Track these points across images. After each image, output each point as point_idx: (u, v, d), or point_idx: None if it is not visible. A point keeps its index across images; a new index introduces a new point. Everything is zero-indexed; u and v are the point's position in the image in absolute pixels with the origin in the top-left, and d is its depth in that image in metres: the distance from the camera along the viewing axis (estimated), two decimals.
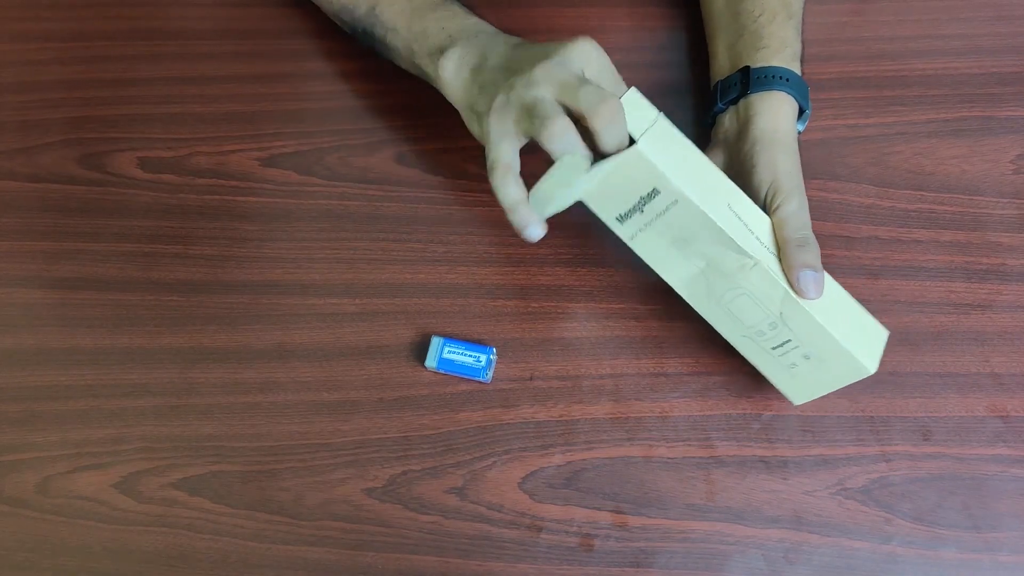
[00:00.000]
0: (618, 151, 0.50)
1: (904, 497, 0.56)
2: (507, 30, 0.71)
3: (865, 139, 0.66)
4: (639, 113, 0.51)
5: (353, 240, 0.63)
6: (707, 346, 0.60)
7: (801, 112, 0.60)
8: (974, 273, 0.61)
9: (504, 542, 0.55)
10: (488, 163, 0.53)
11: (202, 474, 0.57)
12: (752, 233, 0.51)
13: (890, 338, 0.54)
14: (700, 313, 0.55)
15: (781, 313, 0.52)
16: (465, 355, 0.58)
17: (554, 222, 0.63)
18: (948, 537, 0.55)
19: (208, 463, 0.57)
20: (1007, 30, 0.71)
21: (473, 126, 0.57)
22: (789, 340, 0.53)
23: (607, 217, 0.53)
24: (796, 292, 0.51)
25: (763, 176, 0.55)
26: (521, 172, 0.53)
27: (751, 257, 0.51)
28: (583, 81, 0.50)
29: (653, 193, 0.51)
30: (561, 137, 0.50)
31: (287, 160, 0.66)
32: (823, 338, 0.51)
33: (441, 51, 0.58)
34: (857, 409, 0.58)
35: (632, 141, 0.50)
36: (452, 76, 0.57)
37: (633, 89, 0.52)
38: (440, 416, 0.58)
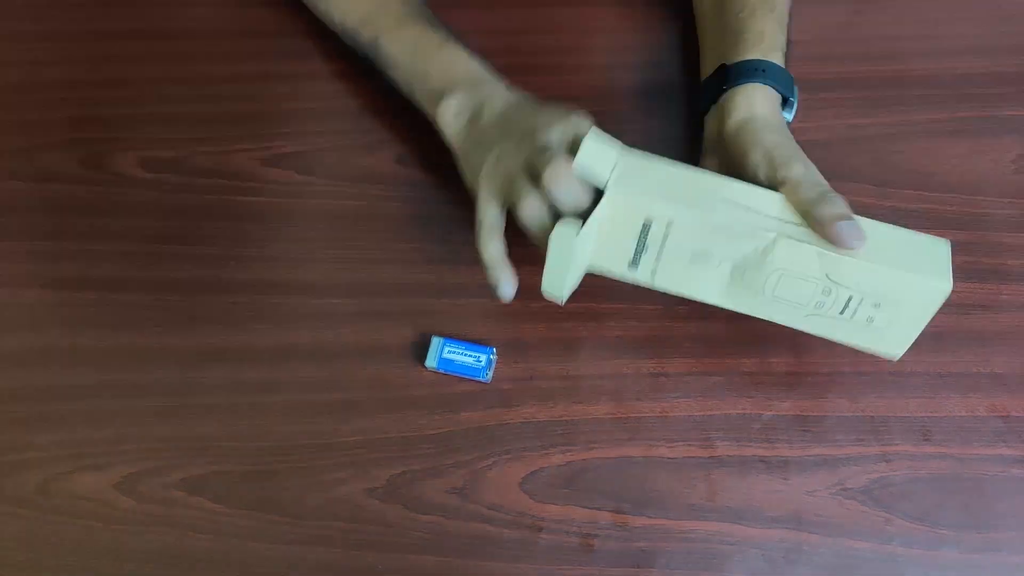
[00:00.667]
0: (584, 208, 0.51)
1: (904, 497, 0.56)
2: (507, 30, 0.71)
3: (865, 139, 0.66)
4: (602, 156, 0.51)
5: (353, 240, 0.63)
6: (707, 346, 0.60)
7: (785, 101, 0.59)
8: (975, 273, 0.61)
9: (504, 542, 0.55)
10: (476, 222, 0.55)
11: (203, 474, 0.57)
12: (760, 213, 0.50)
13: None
14: (757, 315, 0.53)
15: (827, 275, 0.50)
16: (465, 355, 0.58)
17: None
18: (949, 537, 0.55)
19: (209, 463, 0.57)
20: (1007, 30, 0.71)
21: (464, 176, 0.59)
22: (851, 297, 0.50)
23: (620, 270, 0.54)
24: (838, 245, 0.48)
25: (756, 158, 0.53)
26: (507, 231, 0.55)
27: (767, 233, 0.50)
28: (544, 148, 0.52)
29: (647, 225, 0.51)
30: (530, 213, 0.52)
31: (288, 160, 0.66)
32: (880, 276, 0.49)
33: (441, 95, 0.59)
34: (857, 409, 0.58)
35: (599, 192, 0.51)
36: (450, 122, 0.59)
37: (591, 133, 0.51)
38: (440, 416, 0.58)
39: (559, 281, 0.53)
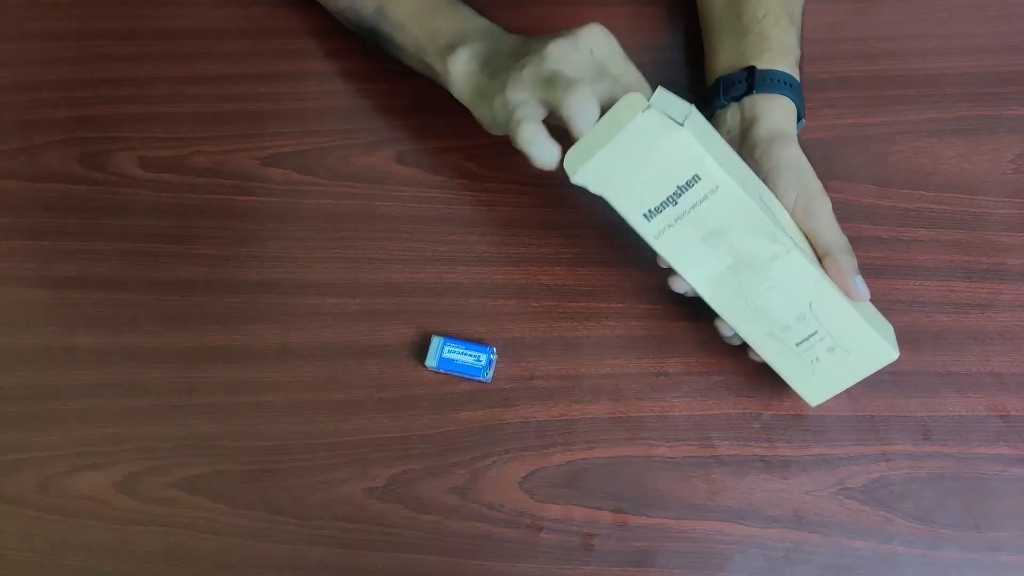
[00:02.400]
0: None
1: (904, 497, 0.56)
2: (507, 29, 0.71)
3: (865, 139, 0.66)
4: (673, 106, 0.50)
5: (353, 240, 0.63)
6: (707, 346, 0.60)
7: (798, 119, 0.60)
8: (974, 272, 0.61)
9: (505, 542, 0.55)
10: (512, 123, 0.52)
11: (202, 474, 0.57)
12: (779, 224, 0.51)
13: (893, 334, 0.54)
14: (720, 312, 0.54)
15: (811, 303, 0.51)
16: (465, 355, 0.58)
17: (554, 222, 0.63)
18: (948, 537, 0.55)
19: (208, 463, 0.57)
20: (1007, 29, 0.71)
21: (484, 111, 0.56)
22: (815, 332, 0.52)
23: (632, 213, 0.51)
24: (848, 294, 0.52)
25: (788, 180, 0.55)
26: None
27: (785, 244, 0.50)
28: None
29: (692, 181, 0.49)
30: (582, 104, 0.49)
31: (287, 159, 0.66)
32: (852, 325, 0.52)
33: (452, 48, 0.58)
34: (857, 408, 0.58)
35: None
36: (461, 71, 0.57)
37: (660, 88, 0.51)
38: (440, 416, 0.58)
39: (586, 154, 0.49)
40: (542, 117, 0.52)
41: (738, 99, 0.59)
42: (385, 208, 0.64)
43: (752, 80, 0.58)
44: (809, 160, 0.56)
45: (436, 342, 0.59)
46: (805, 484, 0.56)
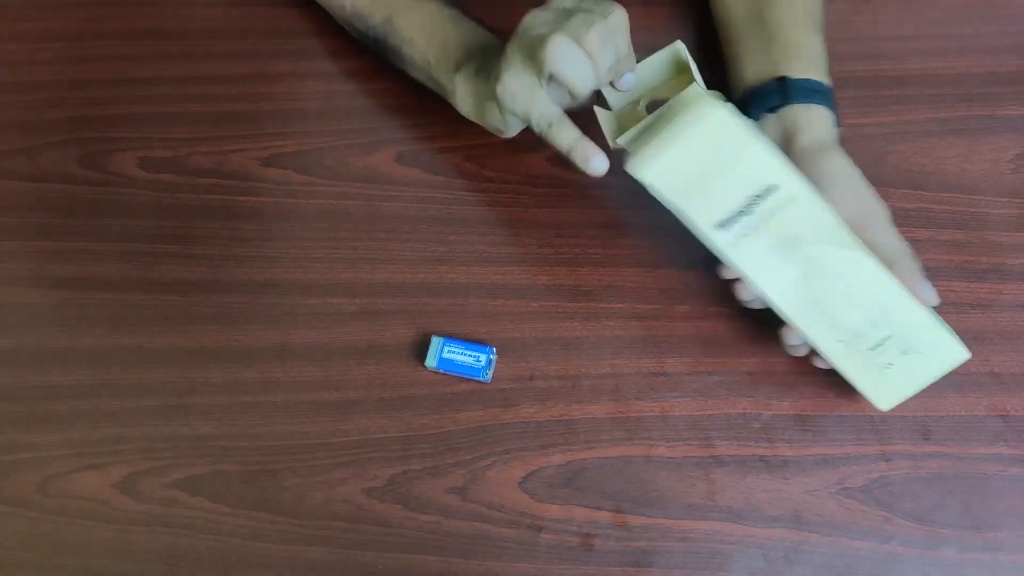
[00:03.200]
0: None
1: (904, 496, 0.56)
2: (507, 30, 0.71)
3: (864, 138, 0.66)
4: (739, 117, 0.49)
5: (353, 240, 0.63)
6: (707, 346, 0.60)
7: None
8: (973, 272, 0.61)
9: (504, 542, 0.55)
10: (537, 126, 0.53)
11: (202, 474, 0.57)
12: (848, 230, 0.51)
13: None
14: (793, 321, 0.53)
15: (885, 308, 0.52)
16: (465, 355, 0.59)
17: (554, 222, 0.63)
18: (948, 536, 0.55)
19: (208, 463, 0.57)
20: (1007, 30, 0.71)
21: (491, 118, 0.57)
22: (889, 336, 0.52)
23: (704, 224, 0.50)
24: (921, 298, 0.52)
25: (844, 191, 0.54)
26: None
27: (859, 250, 0.50)
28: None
29: (769, 191, 0.49)
30: (556, 51, 0.48)
31: (287, 160, 0.66)
32: (926, 327, 0.52)
33: (459, 65, 0.58)
34: (857, 408, 0.58)
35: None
36: (467, 88, 0.58)
37: (695, 84, 0.51)
38: (440, 416, 0.58)
39: (653, 150, 0.48)
40: (562, 106, 0.53)
41: (772, 110, 0.58)
42: (385, 208, 0.64)
43: (787, 91, 0.58)
44: None
45: (436, 342, 0.59)
46: (805, 484, 0.56)
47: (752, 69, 0.61)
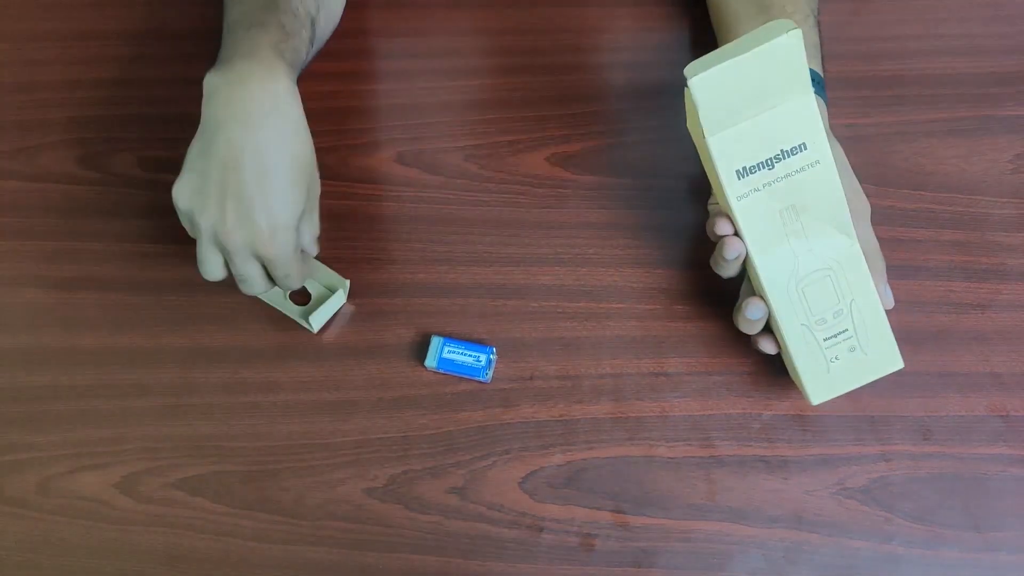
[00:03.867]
0: None
1: (904, 496, 0.56)
2: (507, 30, 0.71)
3: (864, 139, 0.66)
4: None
5: (353, 240, 0.63)
6: (707, 346, 0.60)
7: None
8: (973, 272, 0.62)
9: (505, 542, 0.55)
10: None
11: (202, 474, 0.57)
12: (848, 212, 0.52)
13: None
14: (767, 290, 0.53)
15: (852, 300, 0.52)
16: (465, 355, 0.58)
17: (554, 222, 0.63)
18: (948, 536, 0.55)
19: (208, 463, 0.57)
20: (1006, 30, 0.71)
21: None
22: (845, 330, 0.53)
23: (727, 168, 0.49)
24: (882, 300, 0.53)
25: None
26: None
27: (853, 238, 0.51)
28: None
29: (798, 148, 0.49)
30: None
31: None
32: (880, 329, 0.53)
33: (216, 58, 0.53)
34: (857, 408, 0.58)
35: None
36: (205, 94, 0.52)
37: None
38: (440, 416, 0.58)
39: (712, 62, 0.47)
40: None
41: None
42: (385, 208, 0.64)
43: None
44: None
45: (436, 342, 0.59)
46: (805, 484, 0.56)
47: None
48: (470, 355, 0.59)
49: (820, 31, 0.62)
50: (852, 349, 0.54)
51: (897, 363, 0.54)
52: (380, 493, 0.56)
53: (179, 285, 0.62)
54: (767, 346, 0.55)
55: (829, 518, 0.55)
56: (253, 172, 0.50)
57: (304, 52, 0.57)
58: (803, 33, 0.58)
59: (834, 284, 0.52)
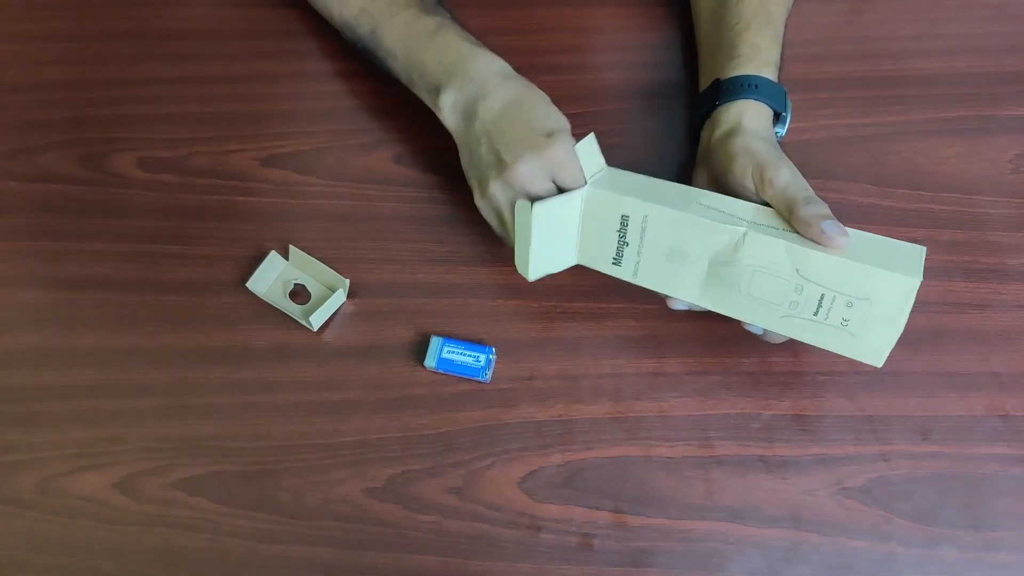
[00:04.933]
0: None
1: (903, 496, 0.56)
2: (507, 30, 0.71)
3: (864, 139, 0.66)
4: (593, 159, 0.55)
5: (353, 240, 0.63)
6: (707, 346, 0.60)
7: (777, 116, 0.60)
8: (973, 272, 0.62)
9: (504, 542, 0.55)
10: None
11: (202, 474, 0.57)
12: (733, 215, 0.52)
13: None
14: (732, 315, 0.54)
15: (796, 270, 0.50)
16: (464, 355, 0.59)
17: None
18: (947, 536, 0.55)
19: (208, 463, 0.57)
20: (1006, 30, 0.71)
21: (466, 164, 0.60)
22: (823, 296, 0.50)
23: (605, 267, 0.56)
24: (823, 244, 0.49)
25: (742, 162, 0.54)
26: None
27: (738, 228, 0.51)
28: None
29: (624, 220, 0.53)
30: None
31: (286, 160, 0.66)
32: (847, 271, 0.49)
33: (437, 90, 0.59)
34: (856, 408, 0.58)
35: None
36: (448, 116, 0.59)
37: (591, 136, 0.55)
38: (439, 416, 0.58)
39: (523, 257, 0.56)
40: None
41: (708, 115, 0.60)
42: (384, 208, 0.64)
43: (717, 93, 0.59)
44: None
45: (435, 342, 0.59)
46: (804, 484, 0.56)
47: (703, 77, 0.63)
48: (469, 355, 0.59)
49: (783, 30, 0.62)
50: (850, 304, 0.50)
51: (908, 281, 0.48)
52: (379, 493, 0.56)
53: (179, 285, 0.62)
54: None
55: (828, 518, 0.55)
56: (507, 118, 0.56)
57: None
58: (746, 39, 0.61)
59: (764, 272, 0.51)
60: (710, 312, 0.60)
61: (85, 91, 0.69)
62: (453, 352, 0.59)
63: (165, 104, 0.68)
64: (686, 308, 0.56)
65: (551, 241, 0.56)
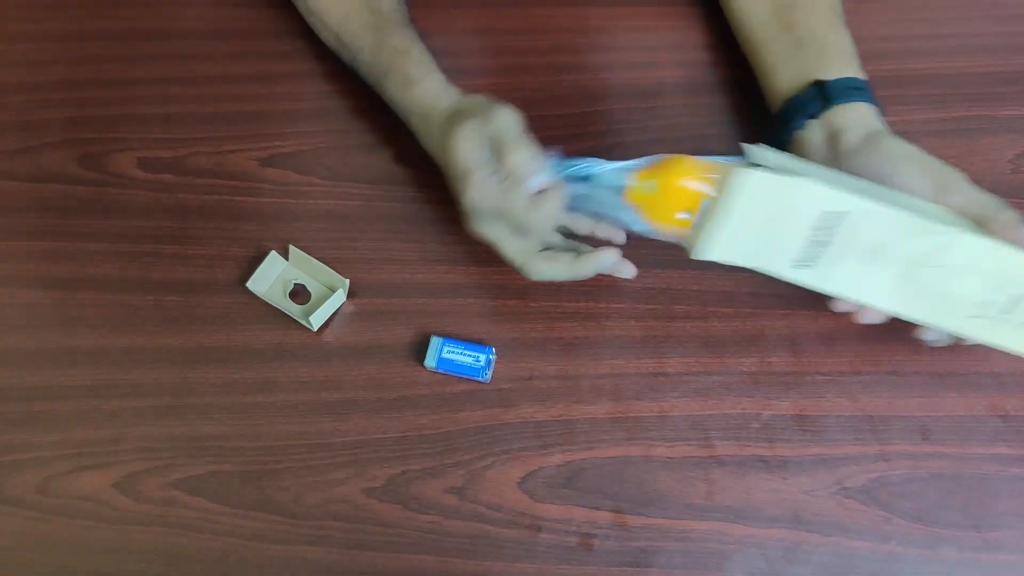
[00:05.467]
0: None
1: (903, 496, 0.56)
2: (507, 30, 0.71)
3: None
4: (765, 158, 0.50)
5: (353, 240, 0.63)
6: (707, 346, 0.60)
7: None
8: None
9: (504, 542, 0.55)
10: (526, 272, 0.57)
11: (201, 474, 0.57)
12: (929, 214, 0.50)
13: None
14: (917, 319, 0.53)
15: (995, 270, 0.50)
16: (464, 355, 0.58)
17: None
18: (947, 536, 0.55)
19: (207, 463, 0.57)
20: (1007, 29, 0.71)
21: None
22: (1021, 294, 0.51)
23: (781, 269, 0.52)
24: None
25: (906, 168, 0.53)
26: None
27: (946, 231, 0.50)
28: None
29: (829, 217, 0.49)
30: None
31: (286, 160, 0.66)
32: None
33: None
34: (856, 408, 0.58)
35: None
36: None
37: (747, 146, 0.51)
38: (439, 416, 0.58)
39: (709, 232, 0.50)
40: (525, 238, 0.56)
41: (815, 116, 0.57)
42: (384, 208, 0.64)
43: (825, 94, 0.57)
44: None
45: (435, 342, 0.59)
46: (804, 484, 0.56)
47: (785, 77, 0.60)
48: (469, 355, 0.59)
49: (850, 33, 0.61)
50: None
51: None
52: (379, 493, 0.56)
53: (178, 285, 0.62)
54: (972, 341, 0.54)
55: (828, 518, 0.55)
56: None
57: (419, 37, 0.63)
58: (833, 40, 0.59)
59: (965, 272, 0.51)
60: (710, 312, 0.61)
61: (85, 91, 0.69)
62: (453, 352, 0.59)
63: (165, 104, 0.68)
64: (874, 320, 0.54)
65: (747, 225, 0.50)
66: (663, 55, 0.70)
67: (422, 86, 0.60)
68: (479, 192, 0.53)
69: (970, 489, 0.56)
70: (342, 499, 0.56)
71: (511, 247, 0.56)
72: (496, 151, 0.53)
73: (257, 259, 0.62)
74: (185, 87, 0.69)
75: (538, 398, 0.58)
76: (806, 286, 0.53)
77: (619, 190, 0.51)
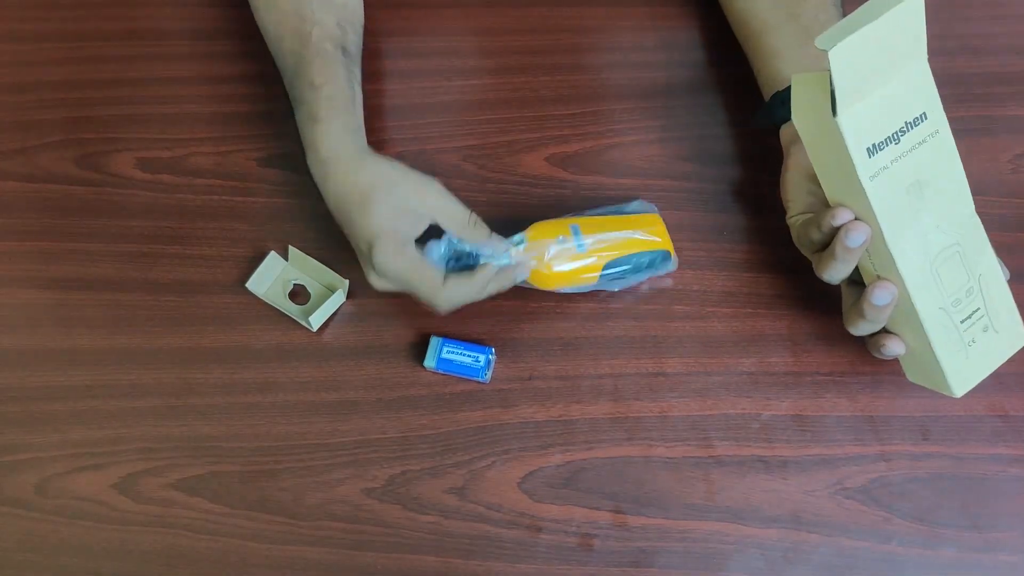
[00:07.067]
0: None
1: (903, 496, 0.56)
2: (507, 30, 0.71)
3: None
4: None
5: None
6: (707, 346, 0.60)
7: None
8: None
9: (504, 542, 0.55)
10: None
11: (201, 474, 0.57)
12: (967, 185, 0.50)
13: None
14: (905, 275, 0.49)
15: (981, 275, 0.50)
16: (464, 355, 0.58)
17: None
18: (947, 536, 0.55)
19: (207, 463, 0.57)
20: (1006, 30, 0.71)
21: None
22: (978, 309, 0.51)
23: (858, 147, 0.46)
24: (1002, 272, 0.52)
25: None
26: None
27: (972, 208, 0.49)
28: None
29: (920, 119, 0.47)
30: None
31: (285, 160, 0.66)
32: (1006, 304, 0.51)
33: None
34: (856, 408, 0.58)
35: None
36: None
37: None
38: (439, 416, 0.58)
39: (845, 33, 0.43)
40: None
41: None
42: None
43: None
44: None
45: (435, 342, 0.59)
46: (804, 484, 0.56)
47: (793, 59, 0.60)
48: (469, 355, 0.59)
49: None
50: (985, 329, 0.51)
51: (1023, 338, 0.52)
52: (379, 493, 0.56)
53: (178, 285, 0.62)
54: (894, 347, 0.52)
55: (828, 518, 0.55)
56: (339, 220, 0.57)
57: (348, 77, 0.61)
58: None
59: (962, 259, 0.50)
60: (711, 312, 0.61)
61: (84, 91, 0.69)
62: (453, 352, 0.58)
63: (164, 104, 0.68)
64: (859, 243, 0.49)
65: (874, 45, 0.44)
66: (662, 55, 0.70)
67: (325, 126, 0.57)
68: (389, 258, 0.53)
69: (970, 489, 0.56)
70: (342, 499, 0.56)
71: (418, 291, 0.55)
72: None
73: (257, 259, 0.61)
74: (184, 87, 0.69)
75: (538, 398, 0.58)
76: (851, 177, 0.47)
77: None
